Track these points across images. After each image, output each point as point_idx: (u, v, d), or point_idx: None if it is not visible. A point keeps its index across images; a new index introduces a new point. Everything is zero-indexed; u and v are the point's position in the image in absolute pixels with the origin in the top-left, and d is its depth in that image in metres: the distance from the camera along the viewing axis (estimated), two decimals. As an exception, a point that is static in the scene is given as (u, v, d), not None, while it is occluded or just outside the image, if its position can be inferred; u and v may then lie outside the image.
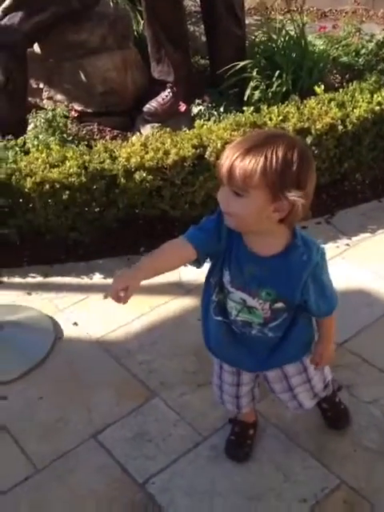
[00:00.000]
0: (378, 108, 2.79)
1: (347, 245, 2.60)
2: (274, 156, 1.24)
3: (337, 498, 1.65)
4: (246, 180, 1.25)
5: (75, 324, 2.28)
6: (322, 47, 3.35)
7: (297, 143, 1.28)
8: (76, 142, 2.86)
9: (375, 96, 2.84)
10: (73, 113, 3.12)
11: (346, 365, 1.98)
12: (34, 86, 3.30)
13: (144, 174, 2.49)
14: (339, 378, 1.88)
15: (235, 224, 1.33)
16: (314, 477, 1.69)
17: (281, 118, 2.72)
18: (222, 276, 1.43)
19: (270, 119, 2.72)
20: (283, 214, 1.29)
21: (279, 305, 1.43)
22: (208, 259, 1.43)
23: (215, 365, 1.66)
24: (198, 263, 1.39)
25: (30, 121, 2.97)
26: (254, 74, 3.10)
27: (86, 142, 2.86)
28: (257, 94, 3.07)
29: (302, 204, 1.27)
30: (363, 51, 3.36)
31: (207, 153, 2.55)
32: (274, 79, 3.06)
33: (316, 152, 2.68)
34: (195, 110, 3.07)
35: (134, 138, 2.76)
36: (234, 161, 1.26)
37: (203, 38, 3.41)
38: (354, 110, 2.77)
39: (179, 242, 1.38)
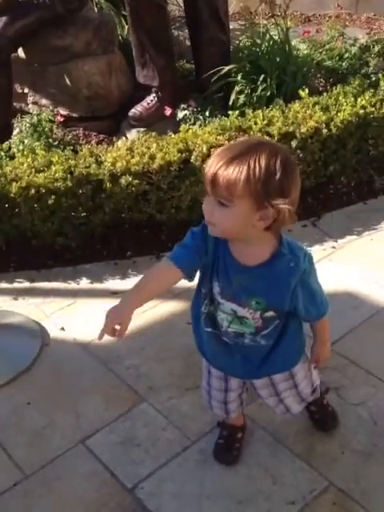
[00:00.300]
0: (361, 111, 2.81)
1: (333, 247, 2.61)
2: (257, 165, 1.24)
3: (325, 500, 1.65)
4: (229, 189, 1.25)
5: (62, 329, 2.27)
6: (305, 51, 3.37)
7: (279, 151, 1.28)
8: (61, 146, 2.85)
9: (359, 100, 2.87)
10: (58, 117, 3.11)
11: (333, 367, 1.98)
12: (19, 90, 3.29)
13: (130, 179, 2.49)
14: (327, 380, 1.89)
15: (220, 233, 1.34)
16: (302, 479, 1.70)
17: (265, 122, 2.74)
18: (212, 287, 1.43)
19: (255, 123, 2.73)
20: (269, 222, 1.29)
21: (270, 313, 1.43)
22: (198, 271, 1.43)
23: (204, 370, 1.66)
24: (188, 278, 1.40)
25: (15, 125, 2.96)
26: (239, 78, 3.11)
27: (71, 147, 2.85)
28: (242, 98, 3.08)
29: (288, 211, 1.26)
30: (347, 55, 3.38)
31: (193, 157, 2.56)
32: (259, 83, 3.07)
33: (301, 155, 2.70)
34: (180, 114, 3.08)
35: (119, 143, 2.76)
36: (218, 170, 1.26)
37: (188, 43, 3.42)
38: (338, 114, 2.79)
39: (164, 265, 1.39)
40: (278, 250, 1.37)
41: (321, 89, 3.25)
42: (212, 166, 1.27)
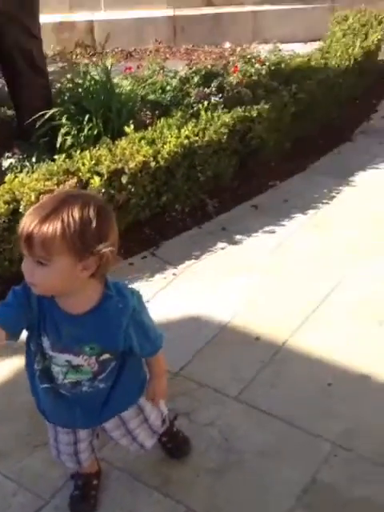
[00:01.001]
0: (186, 141, 3.02)
1: (174, 274, 2.76)
2: (71, 218, 1.28)
3: (184, 526, 1.73)
4: (46, 248, 1.28)
5: None
6: (128, 87, 3.55)
7: (92, 199, 1.34)
8: None
9: (182, 130, 3.08)
10: None
11: (183, 392, 2.09)
12: None
13: None
14: (178, 406, 1.99)
15: (43, 291, 1.37)
16: (160, 511, 1.76)
17: (94, 161, 2.85)
18: (41, 343, 1.46)
19: (83, 164, 2.83)
20: (92, 270, 1.35)
21: (106, 356, 1.48)
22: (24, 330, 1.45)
23: (49, 428, 1.67)
24: (13, 338, 1.41)
25: None
26: (64, 120, 3.21)
27: None
28: (69, 139, 3.19)
29: (111, 252, 1.33)
30: (168, 88, 3.61)
31: (21, 207, 2.59)
32: (85, 123, 3.20)
33: (132, 190, 2.84)
34: (5, 163, 3.11)
35: None
36: (32, 230, 1.28)
37: (6, 89, 3.47)
38: (165, 146, 2.98)
39: None
40: (105, 293, 1.43)
41: (148, 121, 3.44)
42: (25, 227, 1.29)
